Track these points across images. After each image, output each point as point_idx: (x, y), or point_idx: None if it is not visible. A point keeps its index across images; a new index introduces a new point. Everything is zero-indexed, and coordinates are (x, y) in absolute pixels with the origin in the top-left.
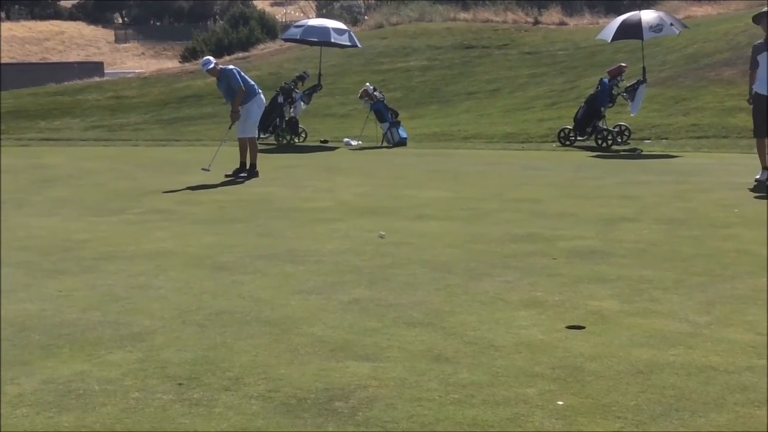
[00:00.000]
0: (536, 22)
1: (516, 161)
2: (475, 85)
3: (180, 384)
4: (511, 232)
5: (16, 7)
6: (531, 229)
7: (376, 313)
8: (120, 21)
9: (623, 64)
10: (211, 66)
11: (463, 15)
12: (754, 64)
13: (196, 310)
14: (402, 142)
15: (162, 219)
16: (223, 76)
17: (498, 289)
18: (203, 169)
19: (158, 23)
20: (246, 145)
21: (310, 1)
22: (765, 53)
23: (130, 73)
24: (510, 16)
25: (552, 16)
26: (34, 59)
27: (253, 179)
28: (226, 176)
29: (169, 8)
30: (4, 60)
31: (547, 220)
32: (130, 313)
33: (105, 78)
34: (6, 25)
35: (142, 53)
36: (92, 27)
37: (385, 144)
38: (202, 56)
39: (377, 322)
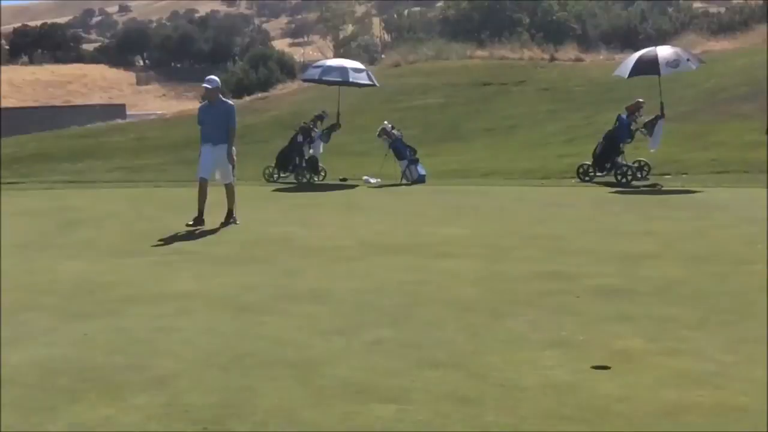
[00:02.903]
0: (552, 59)
1: (535, 197)
2: (493, 122)
3: (204, 429)
4: (533, 270)
5: (39, 51)
6: (553, 266)
7: (399, 354)
8: (141, 63)
9: (641, 100)
10: (218, 85)
11: (479, 53)
12: None
13: (220, 353)
14: (421, 180)
15: (185, 260)
16: (221, 106)
17: (522, 329)
18: (233, 222)
19: (179, 65)
20: (234, 191)
21: (328, 41)
22: None
23: (152, 114)
24: (526, 53)
25: (568, 52)
26: (57, 102)
27: (232, 221)
28: (188, 225)
29: (190, 50)
30: (28, 103)
31: (569, 257)
32: (154, 356)
33: (127, 120)
34: (30, 69)
35: (164, 95)
36: (114, 70)
37: (404, 181)
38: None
39: (401, 363)
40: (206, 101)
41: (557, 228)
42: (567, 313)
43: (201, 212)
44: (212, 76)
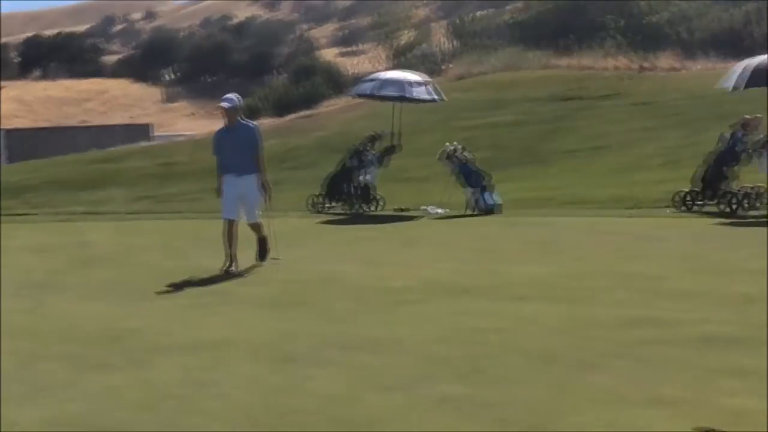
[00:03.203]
0: (642, 69)
1: (627, 230)
2: (576, 142)
3: None
4: (626, 315)
5: (53, 64)
6: (650, 311)
7: (470, 414)
8: (169, 77)
9: (759, 116)
10: (238, 104)
11: (560, 62)
12: None
13: (261, 410)
14: (492, 209)
15: (220, 302)
16: (243, 129)
17: (614, 385)
18: (273, 259)
19: (211, 79)
20: (261, 229)
21: (383, 50)
22: None
23: (180, 136)
24: (613, 63)
25: (662, 60)
26: (73, 122)
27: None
28: (225, 271)
29: (224, 62)
30: (40, 124)
31: (668, 301)
32: (186, 414)
33: (153, 142)
34: (42, 84)
35: (193, 113)
36: (138, 85)
37: (471, 211)
38: (262, 115)
39: (473, 425)
40: (223, 126)
41: (653, 266)
42: (667, 366)
43: (233, 257)
44: (231, 95)
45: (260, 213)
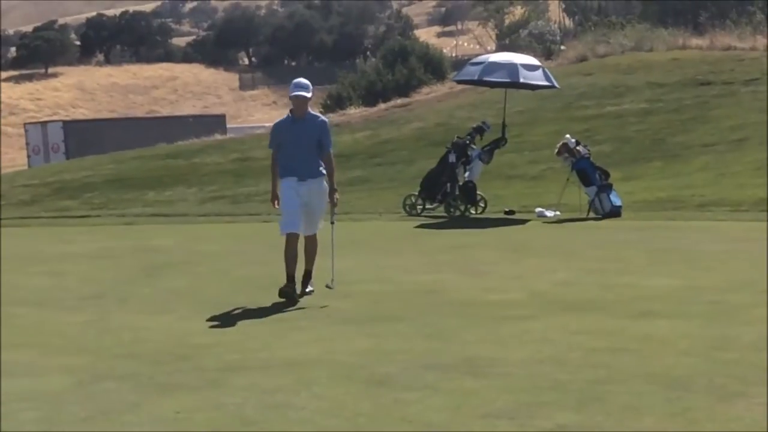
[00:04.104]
0: None
1: None
2: (714, 134)
3: None
4: None
5: (118, 47)
6: None
7: None
8: (246, 62)
9: None
10: (310, 93)
11: (695, 41)
12: None
13: None
14: (615, 212)
15: (302, 317)
16: (313, 122)
17: (758, 415)
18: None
19: (294, 63)
20: (317, 244)
21: (489, 29)
22: None
23: (259, 128)
24: (761, 41)
25: None
26: (139, 112)
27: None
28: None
29: (308, 44)
30: (103, 114)
31: None
32: None
33: (228, 135)
34: (106, 70)
35: (274, 102)
36: (211, 70)
37: (591, 214)
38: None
39: None
40: (288, 116)
41: None
42: None
43: (292, 277)
44: (304, 80)
45: (321, 226)
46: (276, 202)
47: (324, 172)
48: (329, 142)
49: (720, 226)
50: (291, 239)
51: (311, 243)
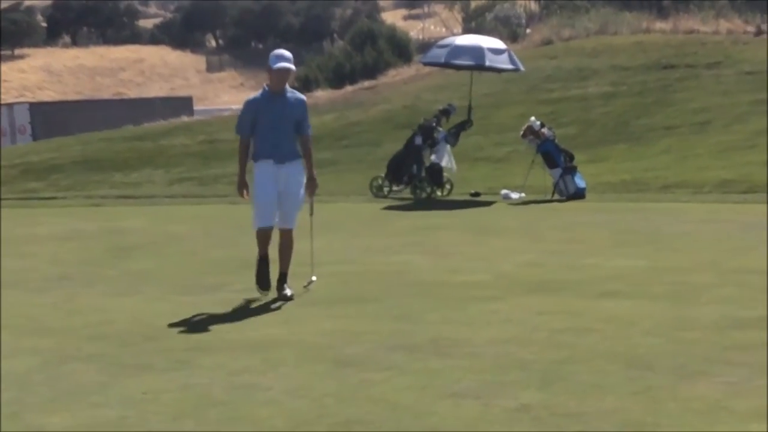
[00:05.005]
0: (759, 32)
1: (736, 218)
2: (677, 117)
3: None
4: (734, 316)
5: (85, 29)
6: (760, 311)
7: (552, 425)
8: (213, 44)
9: None
10: (293, 65)
11: (659, 25)
12: None
13: (316, 419)
14: (579, 194)
15: (270, 298)
16: (291, 99)
17: (719, 394)
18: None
19: (261, 45)
20: (293, 241)
21: (455, 12)
22: None
23: (226, 110)
24: (723, 25)
25: None
26: (106, 94)
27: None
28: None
29: (275, 27)
30: (70, 96)
31: None
32: (232, 422)
33: (195, 117)
34: (72, 52)
35: (241, 83)
36: (179, 53)
37: (556, 196)
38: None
39: None
40: (263, 90)
41: (764, 260)
42: None
43: (266, 274)
44: (286, 52)
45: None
46: (245, 191)
47: (301, 155)
48: (308, 123)
49: (683, 207)
50: (263, 235)
51: (287, 240)
